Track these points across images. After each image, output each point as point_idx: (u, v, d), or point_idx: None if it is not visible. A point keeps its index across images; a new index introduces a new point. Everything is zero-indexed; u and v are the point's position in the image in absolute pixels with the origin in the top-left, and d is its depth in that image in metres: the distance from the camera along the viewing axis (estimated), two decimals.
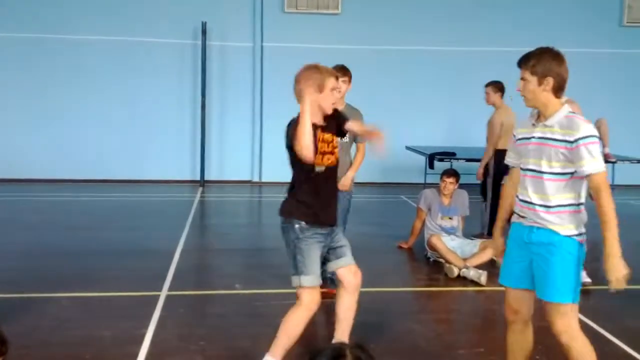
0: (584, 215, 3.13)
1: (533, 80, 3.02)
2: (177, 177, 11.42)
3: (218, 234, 7.53)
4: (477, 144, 11.27)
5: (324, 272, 5.34)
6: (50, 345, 4.12)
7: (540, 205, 3.06)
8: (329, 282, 5.39)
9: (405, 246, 6.97)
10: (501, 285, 5.90)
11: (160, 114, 11.34)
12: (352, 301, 3.73)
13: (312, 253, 3.53)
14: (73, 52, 11.29)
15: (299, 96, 3.47)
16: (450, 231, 6.50)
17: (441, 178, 6.64)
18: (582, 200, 3.10)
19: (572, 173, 2.99)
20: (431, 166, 9.46)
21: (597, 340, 4.41)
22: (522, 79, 3.07)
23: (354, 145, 5.37)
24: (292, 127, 3.44)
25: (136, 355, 3.97)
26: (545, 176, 3.03)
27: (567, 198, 3.04)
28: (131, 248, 6.76)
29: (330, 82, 3.49)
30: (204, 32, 11.41)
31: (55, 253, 6.54)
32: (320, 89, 3.45)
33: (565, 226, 3.04)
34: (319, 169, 3.52)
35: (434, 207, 6.58)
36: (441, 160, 9.35)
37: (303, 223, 3.52)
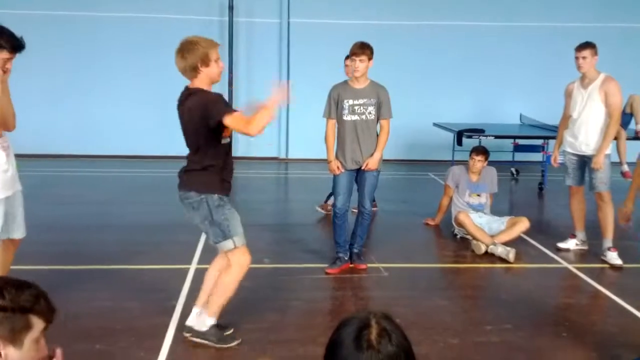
0: None
1: None
2: None
3: (246, 209, 7.56)
4: (506, 121, 11.16)
5: (350, 247, 5.41)
6: (81, 316, 4.22)
7: None
8: (356, 257, 5.43)
9: (432, 223, 6.95)
10: (528, 263, 5.88)
11: None
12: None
13: (235, 216, 3.77)
14: (98, 29, 11.35)
15: (187, 70, 3.64)
16: (478, 208, 6.45)
17: (470, 156, 6.58)
18: None
19: None
20: (459, 143, 9.33)
21: (625, 316, 4.39)
22: None
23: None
24: (218, 101, 3.58)
25: (166, 326, 4.05)
26: None
27: None
28: (160, 222, 6.86)
29: (214, 53, 3.63)
30: (230, 8, 11.39)
31: (85, 227, 6.66)
32: (206, 62, 3.61)
33: None
34: (225, 140, 3.72)
35: (462, 184, 6.54)
36: (469, 137, 9.22)
37: (218, 195, 3.72)
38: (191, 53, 3.62)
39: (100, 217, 7.08)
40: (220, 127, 3.59)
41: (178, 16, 11.38)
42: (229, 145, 3.81)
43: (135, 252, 5.70)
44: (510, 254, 5.66)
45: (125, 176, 9.96)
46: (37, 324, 1.60)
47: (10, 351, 1.55)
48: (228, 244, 3.70)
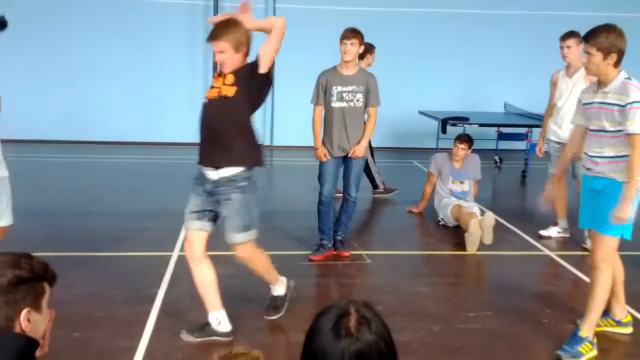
0: None
1: (598, 55, 3.47)
2: (189, 140, 11.38)
3: None
4: (491, 109, 11.19)
5: (334, 234, 5.41)
6: (62, 303, 4.16)
7: (600, 157, 3.58)
8: (339, 244, 5.43)
9: (415, 210, 6.96)
10: (510, 250, 5.90)
11: (171, 76, 11.23)
12: None
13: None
14: (82, 12, 11.19)
15: (239, 44, 3.82)
16: (460, 196, 6.46)
17: (454, 143, 6.59)
18: None
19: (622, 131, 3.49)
20: (444, 131, 9.35)
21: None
22: (588, 52, 3.51)
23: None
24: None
25: (148, 313, 4.03)
26: (604, 134, 3.56)
27: (622, 151, 3.51)
28: (143, 209, 6.81)
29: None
30: None
31: (67, 213, 6.60)
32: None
33: (621, 174, 3.49)
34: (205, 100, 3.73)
35: (445, 171, 6.54)
36: (454, 125, 9.23)
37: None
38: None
39: (82, 204, 7.00)
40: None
41: (162, 0, 11.25)
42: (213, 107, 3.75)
43: (118, 238, 5.65)
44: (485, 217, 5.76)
45: (109, 162, 9.87)
46: (47, 288, 1.79)
47: (35, 317, 1.71)
48: (251, 234, 3.84)
